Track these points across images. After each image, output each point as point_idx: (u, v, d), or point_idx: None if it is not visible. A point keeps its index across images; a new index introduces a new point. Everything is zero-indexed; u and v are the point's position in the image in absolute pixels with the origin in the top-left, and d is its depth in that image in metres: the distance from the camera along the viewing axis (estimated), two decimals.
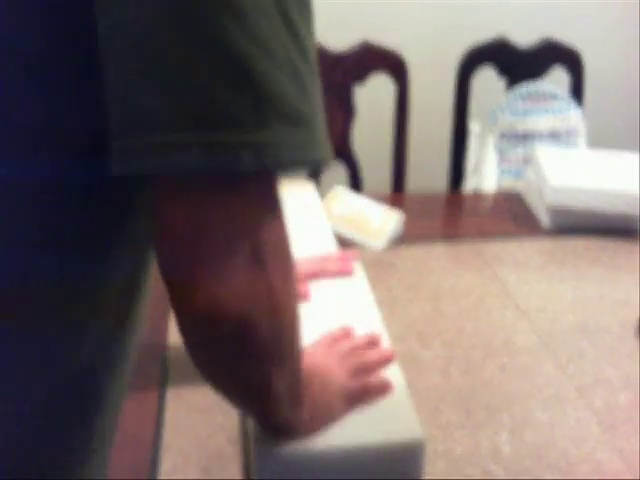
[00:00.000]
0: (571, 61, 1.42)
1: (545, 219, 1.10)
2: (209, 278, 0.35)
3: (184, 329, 0.39)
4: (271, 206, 0.37)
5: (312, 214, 0.95)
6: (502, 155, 1.40)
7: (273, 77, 0.32)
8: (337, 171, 1.40)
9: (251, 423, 0.59)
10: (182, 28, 0.30)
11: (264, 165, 0.32)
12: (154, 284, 0.45)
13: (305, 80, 0.34)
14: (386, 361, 0.63)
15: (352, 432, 0.57)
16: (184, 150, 0.31)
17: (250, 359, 0.40)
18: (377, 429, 0.58)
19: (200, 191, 0.34)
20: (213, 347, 0.39)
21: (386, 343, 0.68)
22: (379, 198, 1.11)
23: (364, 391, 0.59)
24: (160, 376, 0.75)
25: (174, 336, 0.81)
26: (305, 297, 0.70)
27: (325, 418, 0.56)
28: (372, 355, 0.63)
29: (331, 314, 0.70)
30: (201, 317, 0.37)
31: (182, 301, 0.37)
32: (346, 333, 0.66)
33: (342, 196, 1.10)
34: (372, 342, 0.65)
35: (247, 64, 0.31)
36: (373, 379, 0.61)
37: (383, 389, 0.60)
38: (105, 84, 0.32)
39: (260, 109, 0.32)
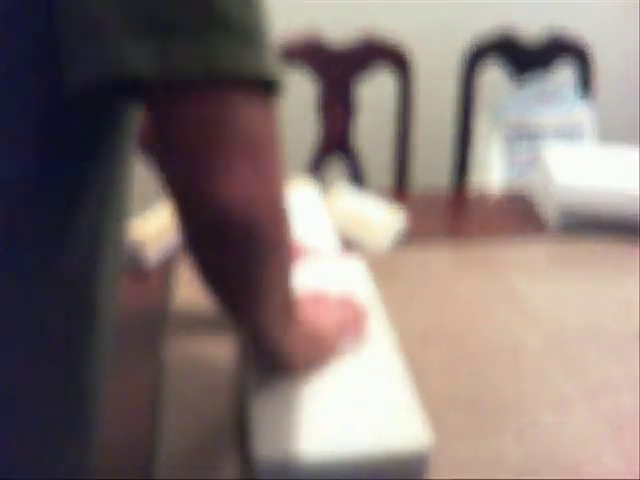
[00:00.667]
0: (579, 55, 1.41)
1: (551, 218, 1.09)
2: (213, 182, 0.38)
3: (194, 239, 0.42)
4: (261, 111, 0.40)
5: (314, 212, 0.95)
6: (508, 153, 1.39)
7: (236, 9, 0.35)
8: (339, 167, 1.39)
9: (252, 424, 0.58)
10: None
11: (215, 73, 0.35)
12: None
13: (253, 4, 0.37)
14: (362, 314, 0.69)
15: (358, 437, 0.57)
16: (136, 57, 0.33)
17: (254, 254, 0.44)
18: (384, 434, 0.58)
19: (184, 99, 0.36)
20: (222, 250, 0.43)
21: (391, 345, 0.68)
22: (382, 194, 1.11)
23: (350, 317, 0.65)
24: (159, 373, 0.75)
25: (173, 334, 0.81)
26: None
27: (318, 346, 0.61)
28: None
29: None
30: (211, 221, 0.40)
31: (192, 210, 0.40)
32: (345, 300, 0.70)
33: (344, 194, 1.09)
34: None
35: None
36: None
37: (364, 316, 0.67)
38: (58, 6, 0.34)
39: (211, 24, 0.34)
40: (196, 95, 0.36)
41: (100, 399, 0.49)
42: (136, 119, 0.44)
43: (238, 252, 0.43)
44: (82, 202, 0.41)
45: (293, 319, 0.56)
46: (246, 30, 0.36)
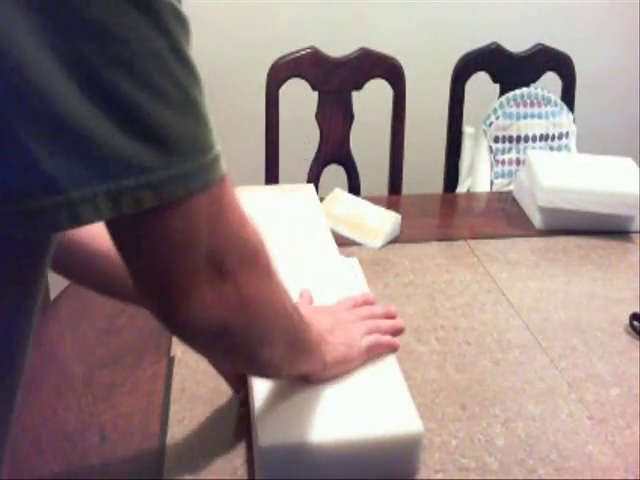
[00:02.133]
0: (563, 66, 1.45)
1: (536, 219, 1.13)
2: (180, 301, 0.39)
3: (177, 337, 0.44)
4: (218, 217, 0.38)
5: (312, 215, 0.98)
6: (495, 157, 1.42)
7: (169, 118, 0.34)
8: (336, 174, 1.43)
9: (254, 414, 0.61)
10: (75, 86, 0.31)
11: (164, 200, 0.35)
12: None
13: (199, 105, 0.36)
14: (398, 331, 0.70)
15: (353, 424, 0.59)
16: (90, 203, 0.33)
17: (239, 351, 0.46)
18: (377, 421, 0.60)
19: (135, 230, 0.36)
20: (204, 349, 0.45)
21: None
22: (376, 201, 1.13)
23: (376, 346, 0.66)
24: (166, 370, 0.77)
25: None
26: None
27: (342, 366, 0.64)
28: (386, 322, 0.70)
29: None
30: (183, 332, 0.42)
31: (164, 322, 0.41)
32: (367, 300, 0.72)
33: (341, 198, 1.12)
34: (388, 314, 0.71)
35: (141, 113, 0.33)
36: (384, 338, 0.68)
37: (392, 346, 0.68)
38: (8, 149, 0.32)
39: (158, 151, 0.34)
40: (153, 220, 0.36)
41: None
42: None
43: (221, 351, 0.45)
44: None
45: (312, 357, 0.58)
46: (190, 144, 0.35)
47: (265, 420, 0.59)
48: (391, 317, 0.71)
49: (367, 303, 0.72)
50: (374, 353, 0.67)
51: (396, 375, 0.65)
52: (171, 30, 0.34)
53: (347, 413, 0.60)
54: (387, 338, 0.68)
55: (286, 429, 0.58)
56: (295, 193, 1.03)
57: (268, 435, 0.58)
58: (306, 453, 0.58)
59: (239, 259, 0.40)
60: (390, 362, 0.67)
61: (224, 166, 0.38)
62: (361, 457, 0.59)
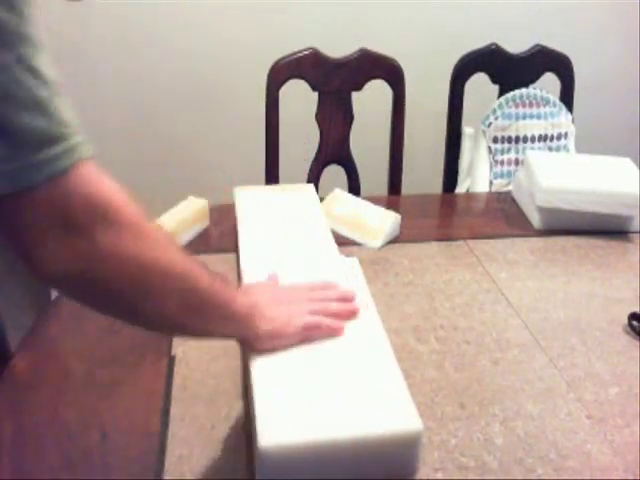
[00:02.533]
0: (561, 67, 1.46)
1: (535, 219, 1.13)
2: (37, 258, 0.47)
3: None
4: (69, 195, 0.47)
5: (312, 215, 0.98)
6: (494, 158, 1.43)
7: (16, 117, 0.43)
8: (336, 175, 1.43)
9: (255, 413, 0.61)
10: None
11: (15, 187, 0.44)
12: None
13: (46, 104, 0.44)
14: (349, 314, 0.70)
15: (353, 423, 0.59)
16: None
17: (110, 301, 0.53)
18: (377, 420, 0.60)
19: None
20: (73, 297, 0.53)
21: (383, 337, 0.70)
22: (376, 201, 1.14)
23: (316, 327, 0.67)
24: (167, 369, 0.77)
25: None
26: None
27: (276, 340, 0.65)
28: (335, 305, 0.71)
29: None
30: (47, 282, 0.50)
31: (31, 274, 0.48)
32: (326, 285, 0.74)
33: (341, 198, 1.12)
34: (344, 297, 0.72)
35: None
36: (326, 320, 0.69)
37: (333, 329, 0.68)
38: None
39: (8, 145, 0.42)
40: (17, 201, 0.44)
41: None
42: None
43: (91, 300, 0.52)
44: None
45: (230, 318, 0.61)
46: (44, 136, 0.43)
47: (265, 420, 0.59)
48: (347, 301, 0.72)
49: (325, 288, 0.73)
50: (314, 334, 0.67)
51: (395, 374, 0.65)
52: (17, 43, 0.42)
53: (346, 412, 0.61)
54: (329, 321, 0.68)
55: (286, 429, 0.58)
56: (295, 193, 1.03)
57: (268, 435, 0.58)
58: (306, 452, 0.58)
59: (94, 218, 0.48)
60: (389, 361, 0.67)
61: (83, 153, 0.47)
62: (360, 456, 0.60)
